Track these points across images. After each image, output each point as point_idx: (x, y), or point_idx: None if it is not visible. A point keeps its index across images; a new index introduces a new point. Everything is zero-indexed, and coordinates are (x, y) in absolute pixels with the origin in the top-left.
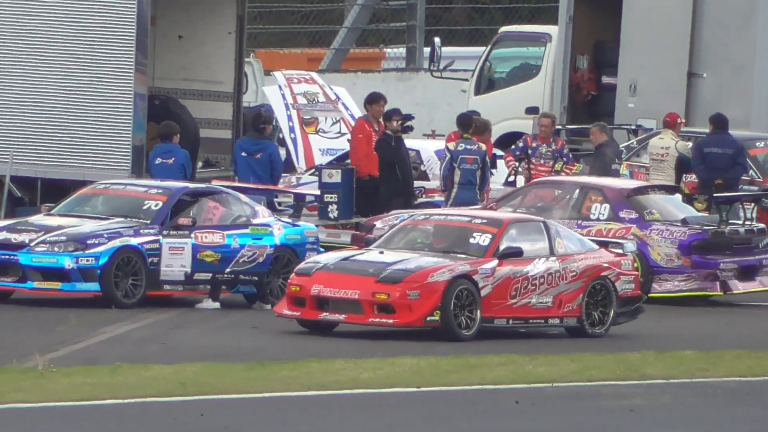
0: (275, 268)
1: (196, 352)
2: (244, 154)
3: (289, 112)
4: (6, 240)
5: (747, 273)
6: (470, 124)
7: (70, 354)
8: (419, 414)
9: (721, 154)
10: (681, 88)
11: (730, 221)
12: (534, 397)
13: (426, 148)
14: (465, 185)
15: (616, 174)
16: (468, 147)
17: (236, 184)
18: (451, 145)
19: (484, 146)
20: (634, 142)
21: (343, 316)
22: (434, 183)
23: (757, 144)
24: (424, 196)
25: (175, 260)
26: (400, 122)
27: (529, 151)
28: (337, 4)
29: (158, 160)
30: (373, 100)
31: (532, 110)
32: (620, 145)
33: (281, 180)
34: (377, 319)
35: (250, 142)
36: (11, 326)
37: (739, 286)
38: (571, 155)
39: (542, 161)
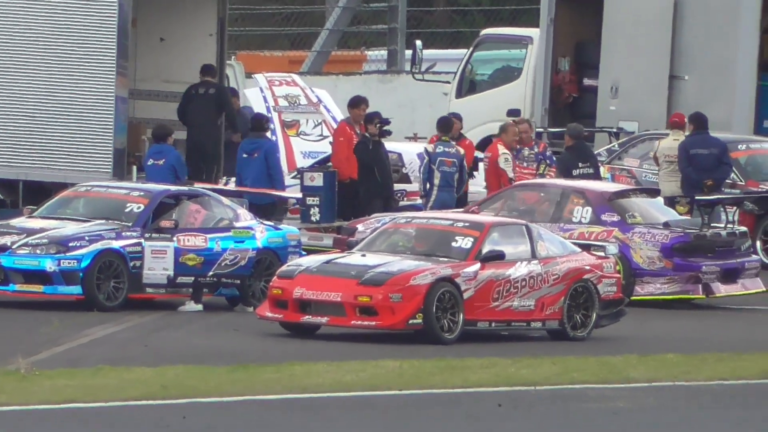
0: (257, 271)
1: (178, 355)
2: (245, 155)
3: (270, 115)
4: None
5: (729, 276)
6: (450, 127)
7: (53, 356)
8: (402, 416)
9: (707, 154)
10: (663, 90)
11: (712, 224)
12: (517, 400)
13: (408, 150)
14: (444, 187)
15: (579, 179)
16: (446, 149)
17: (219, 186)
18: (429, 147)
19: (462, 149)
20: (616, 145)
21: (326, 318)
22: (416, 186)
23: (739, 146)
24: (405, 199)
25: (158, 263)
26: (378, 125)
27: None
28: (319, 6)
29: (150, 161)
30: (356, 103)
31: (513, 112)
32: (603, 148)
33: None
34: (359, 322)
35: (249, 143)
36: None
37: (722, 289)
38: (554, 158)
39: (525, 164)
